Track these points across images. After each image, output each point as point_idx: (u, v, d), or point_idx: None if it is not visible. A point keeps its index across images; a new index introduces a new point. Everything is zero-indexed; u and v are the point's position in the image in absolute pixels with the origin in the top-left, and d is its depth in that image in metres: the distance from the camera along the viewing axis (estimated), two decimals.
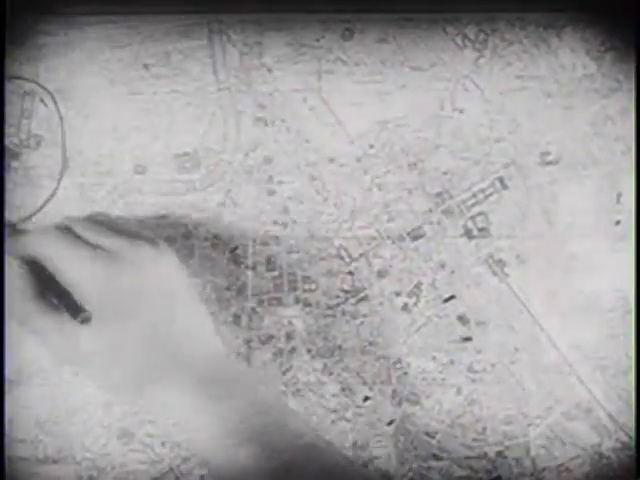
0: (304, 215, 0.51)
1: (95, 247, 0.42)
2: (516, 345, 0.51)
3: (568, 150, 0.51)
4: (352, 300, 0.51)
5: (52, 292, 0.42)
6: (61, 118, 0.51)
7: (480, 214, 0.51)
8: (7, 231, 0.49)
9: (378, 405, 0.51)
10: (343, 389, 0.51)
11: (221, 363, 0.44)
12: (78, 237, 0.43)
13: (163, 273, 0.44)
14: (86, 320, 0.41)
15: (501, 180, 0.51)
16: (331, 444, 0.44)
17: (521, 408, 0.51)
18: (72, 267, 0.42)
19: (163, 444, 0.51)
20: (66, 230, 0.43)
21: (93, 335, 0.41)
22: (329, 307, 0.51)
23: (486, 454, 0.51)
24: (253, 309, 0.51)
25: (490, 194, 0.51)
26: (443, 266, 0.51)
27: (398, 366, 0.51)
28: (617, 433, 0.50)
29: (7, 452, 0.50)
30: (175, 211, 0.51)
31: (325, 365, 0.51)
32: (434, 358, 0.51)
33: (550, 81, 0.51)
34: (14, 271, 0.42)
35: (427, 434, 0.51)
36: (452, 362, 0.51)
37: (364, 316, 0.51)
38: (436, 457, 0.51)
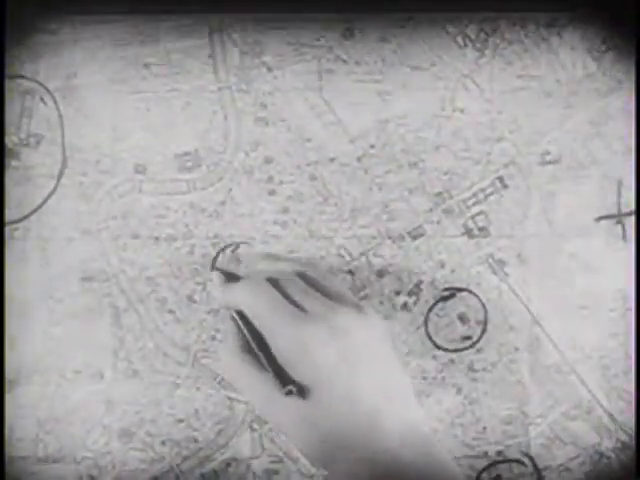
0: (304, 214, 0.51)
1: (300, 308, 0.40)
2: (516, 344, 0.51)
3: (568, 150, 0.51)
4: None
5: (260, 351, 0.41)
6: (61, 117, 0.51)
7: (480, 213, 0.51)
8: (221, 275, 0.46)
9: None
10: None
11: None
12: (285, 294, 0.41)
13: (367, 342, 0.40)
14: (290, 393, 0.39)
15: (501, 180, 0.51)
16: None
17: (521, 407, 0.51)
18: (277, 327, 0.40)
19: (163, 443, 0.51)
20: (274, 284, 0.42)
21: (295, 405, 0.39)
22: None
23: (486, 453, 0.51)
24: None
25: (490, 194, 0.51)
26: (443, 265, 0.51)
27: None
28: (617, 433, 0.51)
29: (7, 451, 0.50)
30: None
31: None
32: (434, 357, 0.51)
33: (550, 80, 0.51)
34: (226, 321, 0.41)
35: None
36: (452, 361, 0.51)
37: None
38: None
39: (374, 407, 0.39)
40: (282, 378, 0.39)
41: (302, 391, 0.39)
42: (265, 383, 0.40)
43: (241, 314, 0.42)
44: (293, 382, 0.39)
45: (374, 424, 0.38)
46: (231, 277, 0.46)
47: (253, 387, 0.40)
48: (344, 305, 0.41)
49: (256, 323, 0.41)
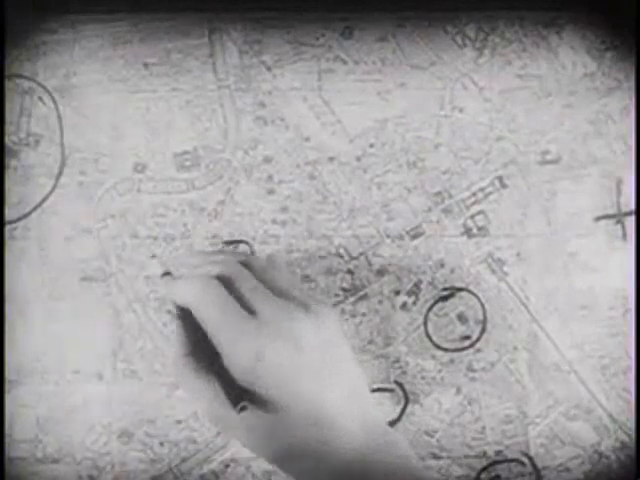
0: (304, 214, 0.51)
1: (249, 310, 0.38)
2: (515, 344, 0.51)
3: (568, 149, 0.51)
4: (351, 299, 0.51)
5: (205, 353, 0.38)
6: (60, 116, 0.51)
7: (480, 213, 0.51)
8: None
9: (377, 404, 0.51)
10: None
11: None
12: (238, 294, 0.38)
13: (321, 344, 0.38)
14: (243, 409, 0.35)
15: (501, 179, 0.51)
16: None
17: (521, 407, 0.51)
18: (225, 329, 0.37)
19: (162, 444, 0.51)
20: (225, 282, 0.39)
21: (254, 417, 0.37)
22: None
23: (485, 453, 0.51)
24: None
25: (490, 193, 0.51)
26: (443, 265, 0.51)
27: (397, 365, 0.51)
28: (617, 432, 0.50)
29: (7, 452, 0.50)
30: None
31: None
32: (433, 357, 0.51)
33: (550, 80, 0.51)
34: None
35: (426, 433, 0.51)
36: (452, 361, 0.51)
37: (363, 315, 0.51)
38: (435, 456, 0.51)
39: (335, 410, 0.38)
40: (234, 392, 0.36)
41: (258, 403, 0.36)
42: (216, 395, 0.37)
43: (189, 313, 0.39)
44: (245, 394, 0.36)
45: (336, 426, 0.37)
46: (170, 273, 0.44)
47: (203, 397, 0.38)
48: (292, 303, 0.39)
49: (205, 326, 0.38)
